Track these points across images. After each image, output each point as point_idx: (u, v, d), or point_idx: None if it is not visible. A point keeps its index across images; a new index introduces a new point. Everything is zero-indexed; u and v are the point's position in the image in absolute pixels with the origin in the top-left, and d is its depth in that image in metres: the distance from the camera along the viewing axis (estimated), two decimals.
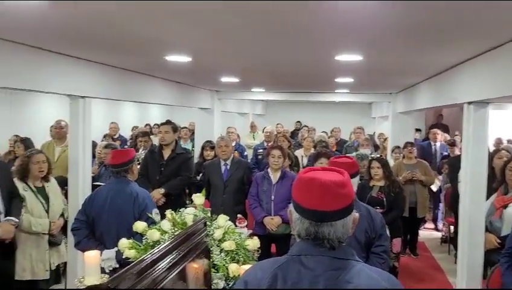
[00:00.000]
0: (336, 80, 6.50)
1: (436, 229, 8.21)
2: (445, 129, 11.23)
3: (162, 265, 1.74)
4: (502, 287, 3.27)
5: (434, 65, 4.80)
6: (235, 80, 6.86)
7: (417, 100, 6.94)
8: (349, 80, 6.50)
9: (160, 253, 1.79)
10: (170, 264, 1.78)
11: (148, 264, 1.66)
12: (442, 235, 7.53)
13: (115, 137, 9.10)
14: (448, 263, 6.39)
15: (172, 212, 2.72)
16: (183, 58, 4.51)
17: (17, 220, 3.72)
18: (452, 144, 7.94)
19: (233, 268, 2.45)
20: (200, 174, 5.75)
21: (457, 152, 7.54)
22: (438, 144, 8.55)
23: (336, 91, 9.16)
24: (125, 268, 1.57)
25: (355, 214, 1.48)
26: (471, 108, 4.18)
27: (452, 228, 6.72)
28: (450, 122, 12.11)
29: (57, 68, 4.26)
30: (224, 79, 6.79)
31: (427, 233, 8.01)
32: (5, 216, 3.67)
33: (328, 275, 1.38)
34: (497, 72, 3.56)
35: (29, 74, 3.92)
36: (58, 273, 4.56)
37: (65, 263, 4.72)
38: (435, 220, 8.43)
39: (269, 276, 1.42)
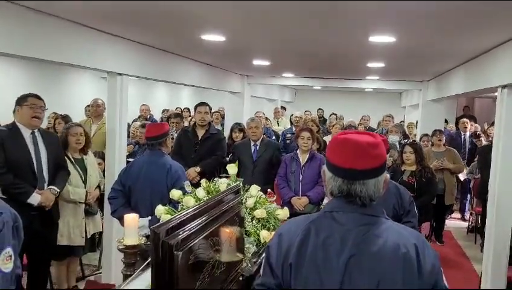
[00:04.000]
0: (367, 64, 6.49)
1: (463, 219, 8.15)
2: (473, 121, 11.08)
3: (194, 224, 1.81)
4: None
5: (468, 49, 4.75)
6: (266, 63, 6.93)
7: (449, 87, 6.87)
8: (380, 64, 6.47)
9: (193, 213, 1.86)
10: (200, 226, 1.85)
11: (180, 222, 1.73)
12: (469, 225, 7.49)
13: (147, 118, 9.31)
14: (474, 251, 6.37)
15: (207, 181, 2.83)
16: (218, 38, 4.61)
17: (58, 190, 3.87)
18: (477, 135, 7.84)
19: (265, 234, 2.55)
20: (230, 155, 5.87)
21: (484, 142, 7.47)
22: (468, 133, 8.46)
23: (366, 78, 9.13)
24: (159, 223, 1.65)
25: (386, 175, 1.54)
26: (504, 92, 4.14)
27: (479, 217, 6.68)
28: (483, 115, 11.94)
29: (97, 45, 4.42)
30: (256, 62, 6.86)
31: (454, 223, 7.97)
32: (49, 185, 3.82)
33: (358, 230, 1.45)
34: None
35: (72, 49, 4.08)
36: (94, 242, 4.79)
37: (100, 233, 4.95)
38: (462, 210, 8.37)
39: (302, 229, 1.50)
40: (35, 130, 3.81)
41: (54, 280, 4.50)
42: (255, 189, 2.82)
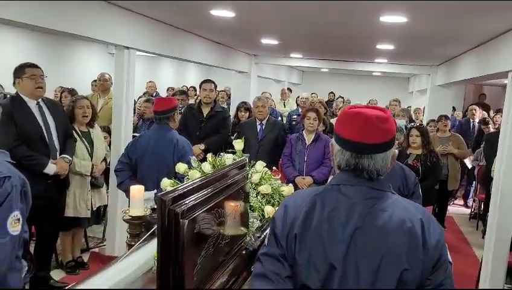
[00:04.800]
0: (377, 46, 6.43)
1: (466, 205, 8.16)
2: (486, 109, 11.00)
3: (200, 195, 1.81)
4: None
5: (480, 33, 4.70)
6: (274, 42, 6.87)
7: (459, 71, 6.81)
8: (390, 47, 6.41)
9: (199, 183, 1.87)
10: (206, 197, 1.85)
11: (186, 191, 1.73)
12: (471, 211, 7.50)
13: (153, 95, 9.31)
14: (475, 237, 6.41)
15: (213, 155, 2.84)
16: (227, 14, 4.57)
17: (70, 158, 3.93)
18: (486, 122, 7.79)
19: (269, 210, 2.56)
20: (235, 134, 5.87)
21: (492, 130, 7.43)
22: (477, 120, 8.41)
23: (375, 61, 9.05)
24: (165, 191, 1.65)
25: (395, 151, 1.54)
26: None
27: (482, 204, 6.69)
28: (492, 103, 11.85)
29: (107, 18, 4.40)
30: (265, 41, 6.81)
31: (457, 209, 7.99)
32: (60, 154, 3.86)
33: (364, 203, 1.45)
34: None
35: (82, 20, 4.07)
36: (99, 214, 4.84)
37: (105, 206, 5.00)
38: (465, 197, 8.37)
39: (308, 201, 1.50)
40: (40, 100, 3.79)
41: (59, 250, 4.56)
42: (260, 165, 2.82)
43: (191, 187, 1.77)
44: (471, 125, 8.40)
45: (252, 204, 2.60)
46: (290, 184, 2.90)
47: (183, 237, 1.58)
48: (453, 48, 6.07)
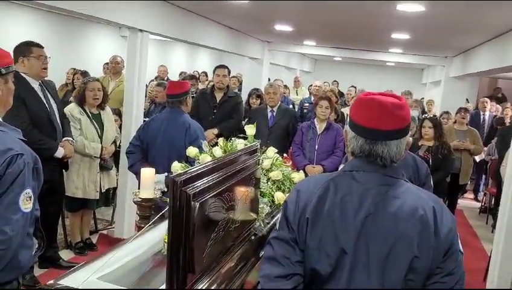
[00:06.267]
0: (392, 35, 6.35)
1: (476, 199, 8.10)
2: (502, 101, 10.85)
3: (211, 178, 1.81)
4: None
5: (497, 23, 4.61)
6: (288, 28, 6.81)
7: (474, 63, 6.71)
8: (405, 36, 6.33)
9: (211, 166, 1.86)
10: (217, 180, 1.85)
11: (198, 174, 1.73)
12: (482, 205, 7.45)
13: (164, 79, 9.30)
14: (485, 232, 6.36)
15: (225, 140, 2.83)
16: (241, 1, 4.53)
17: (72, 139, 3.91)
18: (502, 123, 7.67)
19: (279, 196, 2.56)
20: (246, 120, 5.86)
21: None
22: (487, 113, 8.30)
23: (389, 50, 8.95)
24: (177, 173, 1.64)
25: (409, 138, 1.52)
26: None
27: (493, 198, 6.63)
28: (507, 96, 11.70)
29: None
30: (278, 27, 6.75)
31: (466, 202, 7.93)
32: (62, 136, 3.83)
33: (377, 190, 1.44)
34: None
35: (95, 2, 4.04)
36: (108, 196, 4.86)
37: (114, 189, 5.02)
38: (475, 191, 8.31)
39: (321, 186, 1.49)
40: (40, 81, 3.70)
41: (67, 231, 4.61)
42: (271, 151, 2.81)
43: (202, 170, 1.77)
44: (481, 118, 8.27)
45: (262, 190, 2.60)
46: (301, 171, 2.89)
47: (194, 219, 1.58)
48: (469, 38, 5.98)
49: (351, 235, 1.40)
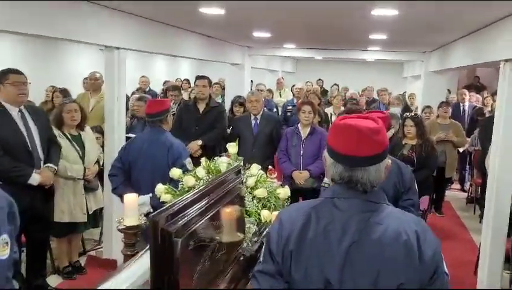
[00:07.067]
0: (370, 36, 6.39)
1: (463, 189, 8.18)
2: (482, 90, 10.97)
3: (194, 209, 1.79)
4: None
5: (471, 22, 4.66)
6: (267, 35, 6.80)
7: (451, 58, 6.78)
8: (383, 36, 6.37)
9: (193, 197, 1.85)
10: (203, 209, 1.84)
11: (180, 208, 1.71)
12: (468, 196, 7.53)
13: (146, 91, 9.22)
14: (473, 222, 6.44)
15: (207, 160, 2.81)
16: (217, 11, 4.51)
17: (55, 167, 3.84)
18: (482, 114, 7.76)
19: (265, 214, 2.54)
20: (230, 129, 5.84)
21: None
22: (467, 104, 8.37)
23: (368, 49, 9.00)
24: (158, 211, 1.62)
25: (388, 161, 1.52)
26: (507, 66, 4.07)
27: (479, 189, 6.70)
28: (485, 84, 11.83)
29: (93, 19, 4.32)
30: (257, 34, 6.74)
31: (453, 193, 8.01)
32: (44, 163, 3.77)
33: (359, 217, 1.43)
34: None
35: (68, 24, 3.99)
36: (96, 217, 4.79)
37: (101, 209, 4.96)
38: (461, 181, 8.39)
39: (303, 216, 1.49)
40: (22, 107, 3.68)
41: (54, 256, 4.53)
42: (255, 168, 2.79)
43: (184, 203, 1.75)
44: (461, 109, 8.34)
45: (248, 209, 2.58)
46: (286, 186, 2.87)
47: (177, 255, 1.57)
48: (444, 35, 6.04)
49: (336, 266, 1.40)
